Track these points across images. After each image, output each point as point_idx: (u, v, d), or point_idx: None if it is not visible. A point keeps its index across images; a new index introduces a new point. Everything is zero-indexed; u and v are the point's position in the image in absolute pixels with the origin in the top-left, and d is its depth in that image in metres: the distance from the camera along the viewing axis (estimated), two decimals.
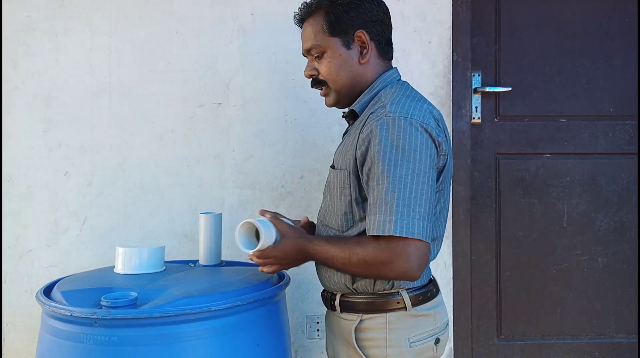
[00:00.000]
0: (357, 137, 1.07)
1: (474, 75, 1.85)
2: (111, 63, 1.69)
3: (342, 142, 1.19)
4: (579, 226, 1.92)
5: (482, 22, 1.88)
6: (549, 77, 1.90)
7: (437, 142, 1.04)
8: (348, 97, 1.17)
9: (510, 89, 1.86)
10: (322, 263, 1.12)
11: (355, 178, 1.08)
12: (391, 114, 1.03)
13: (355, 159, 1.07)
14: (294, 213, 1.72)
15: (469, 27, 1.80)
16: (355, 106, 1.14)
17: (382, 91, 1.13)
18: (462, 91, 1.80)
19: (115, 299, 1.02)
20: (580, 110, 1.91)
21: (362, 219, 1.08)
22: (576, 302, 1.92)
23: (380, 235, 0.98)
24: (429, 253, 1.02)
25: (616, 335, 1.93)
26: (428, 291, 1.13)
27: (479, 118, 1.86)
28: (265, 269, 1.12)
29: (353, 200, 1.08)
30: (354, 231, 1.10)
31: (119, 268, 1.23)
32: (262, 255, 1.09)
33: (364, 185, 1.06)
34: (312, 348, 1.76)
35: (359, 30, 1.12)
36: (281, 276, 1.28)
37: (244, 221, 1.07)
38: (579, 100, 1.91)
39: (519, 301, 1.91)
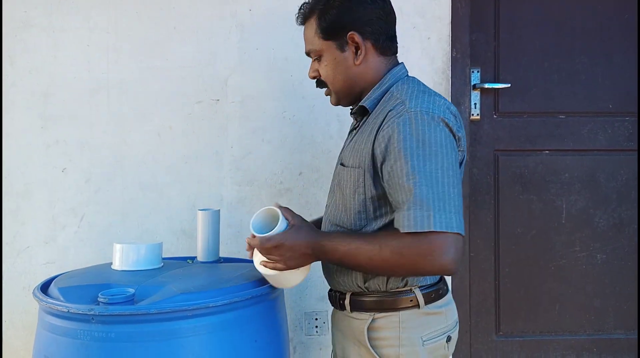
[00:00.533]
0: (374, 134, 1.05)
1: (473, 71, 1.84)
2: (109, 60, 1.69)
3: (351, 139, 1.16)
4: (578, 222, 1.91)
5: (481, 19, 1.87)
6: (548, 73, 1.90)
7: (457, 137, 1.05)
8: (348, 98, 1.17)
9: (509, 85, 1.85)
10: (340, 259, 1.04)
11: (371, 176, 1.05)
12: (412, 110, 1.01)
13: (372, 156, 1.05)
14: (293, 209, 1.72)
15: (468, 23, 1.79)
16: (366, 102, 1.13)
17: (394, 86, 1.12)
18: (461, 88, 1.79)
19: (112, 295, 1.02)
20: (579, 107, 1.90)
21: (378, 217, 1.07)
22: (575, 299, 1.92)
23: (419, 231, 0.95)
24: (463, 246, 1.00)
25: (615, 332, 1.93)
26: (440, 289, 1.12)
27: (477, 115, 1.86)
28: (268, 266, 1.06)
29: (368, 198, 1.07)
30: (369, 229, 1.08)
31: (117, 265, 1.23)
32: (269, 243, 1.02)
33: (384, 183, 1.03)
34: (310, 344, 1.76)
35: (350, 32, 1.11)
36: None
37: (265, 207, 1.07)
38: (578, 97, 1.90)
39: (518, 298, 1.91)
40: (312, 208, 1.73)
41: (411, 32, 1.75)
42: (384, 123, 1.04)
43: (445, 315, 1.12)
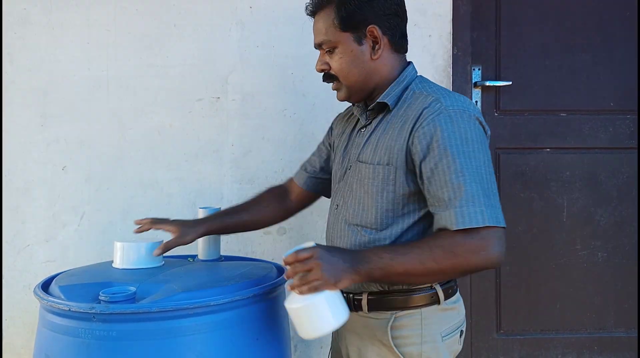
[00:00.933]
0: (407, 131, 1.05)
1: (474, 69, 1.84)
2: (109, 57, 1.68)
3: (367, 135, 1.14)
4: (579, 220, 1.91)
5: (482, 16, 1.87)
6: (549, 71, 1.89)
7: (487, 135, 1.07)
8: (360, 93, 1.16)
9: (510, 83, 1.85)
10: (384, 267, 0.96)
11: (404, 173, 1.05)
12: (451, 108, 1.03)
13: (407, 154, 1.04)
14: None
15: (469, 21, 1.79)
16: (387, 99, 1.12)
17: (412, 84, 1.13)
18: (462, 85, 1.79)
19: (113, 294, 1.02)
20: (580, 104, 1.90)
21: (405, 214, 1.06)
22: (576, 297, 1.92)
23: (474, 226, 0.95)
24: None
25: (615, 330, 1.93)
26: (454, 285, 1.14)
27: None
28: (302, 289, 0.94)
29: (398, 196, 1.06)
30: (396, 228, 1.07)
31: (117, 263, 1.23)
32: (303, 253, 0.94)
33: (423, 180, 1.02)
34: (311, 342, 1.76)
35: (371, 26, 1.10)
36: (280, 271, 1.27)
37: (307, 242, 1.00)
38: (580, 94, 1.90)
39: (519, 296, 1.91)
40: (313, 207, 1.72)
41: (412, 29, 1.72)
42: (420, 121, 1.04)
43: (458, 311, 1.14)
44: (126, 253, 1.22)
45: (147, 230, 1.26)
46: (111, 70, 1.68)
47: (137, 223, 1.27)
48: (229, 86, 1.71)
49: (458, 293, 1.16)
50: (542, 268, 1.91)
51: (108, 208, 1.69)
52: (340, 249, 1.04)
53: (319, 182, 1.37)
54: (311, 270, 0.93)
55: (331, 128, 1.37)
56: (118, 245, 1.24)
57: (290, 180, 1.42)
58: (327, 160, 1.35)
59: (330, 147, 1.35)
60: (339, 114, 1.38)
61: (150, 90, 1.69)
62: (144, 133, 1.69)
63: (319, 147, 1.40)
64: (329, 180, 1.35)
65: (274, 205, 1.38)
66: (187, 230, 1.24)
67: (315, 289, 0.93)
